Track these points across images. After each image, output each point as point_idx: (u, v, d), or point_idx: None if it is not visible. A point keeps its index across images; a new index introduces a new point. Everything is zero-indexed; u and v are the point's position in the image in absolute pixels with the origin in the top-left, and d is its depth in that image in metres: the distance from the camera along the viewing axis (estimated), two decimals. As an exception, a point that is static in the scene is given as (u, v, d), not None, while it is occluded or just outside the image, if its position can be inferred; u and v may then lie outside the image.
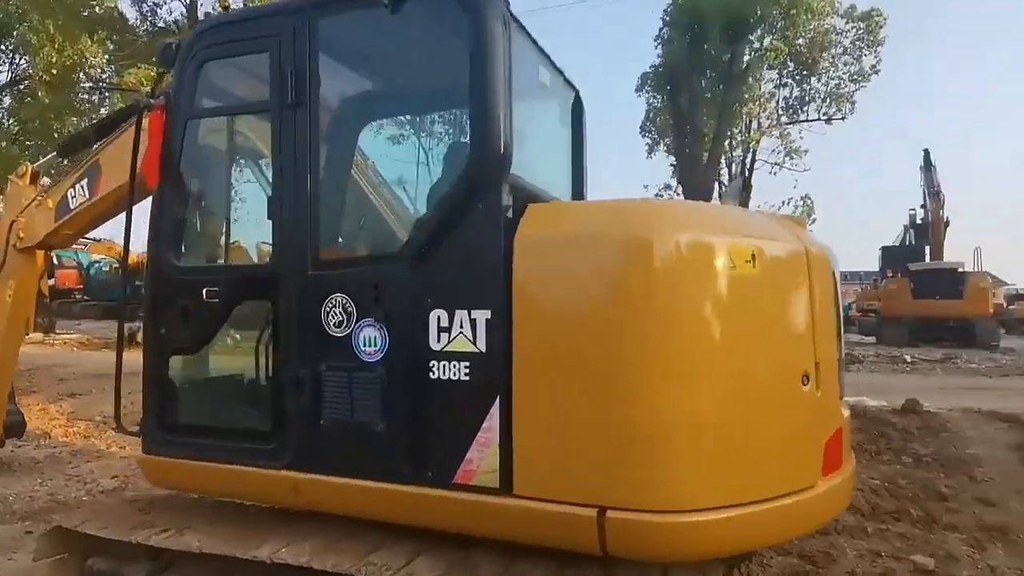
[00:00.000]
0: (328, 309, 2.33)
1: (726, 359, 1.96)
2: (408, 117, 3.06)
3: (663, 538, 1.90)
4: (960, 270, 19.91)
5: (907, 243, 25.73)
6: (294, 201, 2.39)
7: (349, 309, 2.30)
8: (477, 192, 2.12)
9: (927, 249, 22.21)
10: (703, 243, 1.96)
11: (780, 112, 18.88)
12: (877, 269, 25.60)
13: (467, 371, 2.10)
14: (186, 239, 2.71)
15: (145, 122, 2.78)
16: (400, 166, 2.60)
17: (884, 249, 24.71)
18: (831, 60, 19.17)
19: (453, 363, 2.12)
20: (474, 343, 2.10)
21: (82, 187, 4.54)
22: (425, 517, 2.20)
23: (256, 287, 2.53)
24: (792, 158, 19.96)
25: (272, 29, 2.45)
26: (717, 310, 1.96)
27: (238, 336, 2.61)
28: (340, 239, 2.65)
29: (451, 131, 2.78)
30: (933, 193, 21.46)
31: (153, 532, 2.60)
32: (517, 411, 2.03)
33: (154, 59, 5.04)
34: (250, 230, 2.90)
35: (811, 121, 20.33)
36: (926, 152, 23.09)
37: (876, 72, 19.29)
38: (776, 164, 19.51)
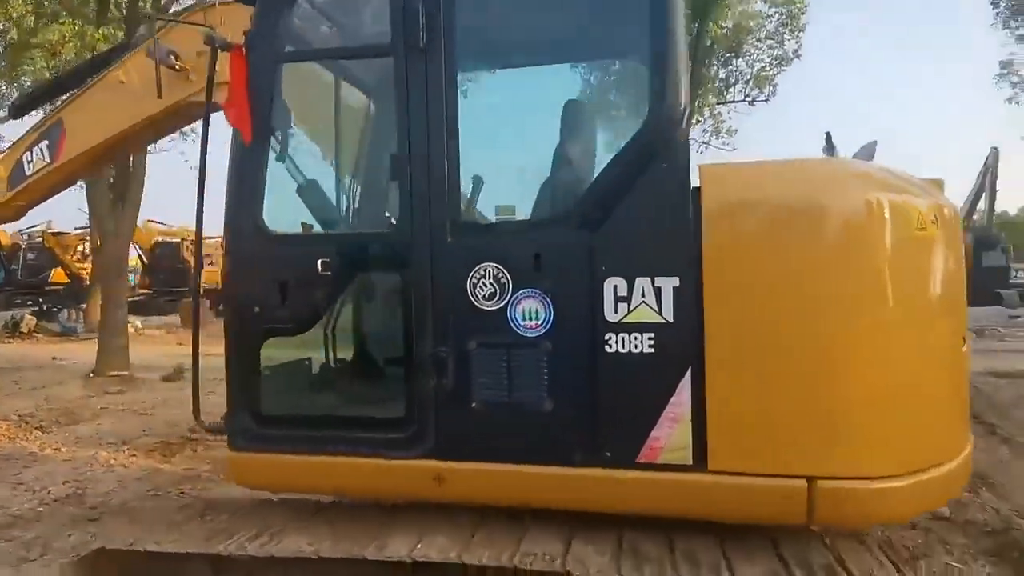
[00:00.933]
0: (475, 280, 2.09)
1: (922, 325, 1.95)
2: (555, 67, 2.77)
3: (868, 505, 1.88)
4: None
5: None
6: (428, 160, 2.11)
7: (503, 280, 2.07)
8: (658, 151, 1.96)
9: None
10: (903, 206, 1.92)
11: (709, 92, 19.60)
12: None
13: (651, 343, 1.96)
14: (283, 203, 2.33)
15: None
16: (550, 120, 2.39)
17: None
18: (755, 43, 20.06)
19: (634, 335, 1.97)
20: (659, 313, 1.96)
21: (41, 150, 3.93)
22: (602, 500, 2.05)
23: (380, 257, 2.23)
24: (720, 137, 20.75)
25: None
26: (915, 275, 1.94)
27: (354, 313, 2.29)
28: (484, 202, 2.38)
29: (608, 82, 2.56)
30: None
31: (243, 539, 2.27)
32: (711, 385, 1.92)
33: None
34: (355, 191, 2.54)
35: (736, 102, 21.22)
36: (828, 135, 24.88)
37: (798, 57, 20.38)
38: (704, 143, 20.19)
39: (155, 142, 6.53)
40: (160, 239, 30.51)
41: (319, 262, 2.14)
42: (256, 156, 2.24)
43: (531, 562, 1.98)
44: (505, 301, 2.07)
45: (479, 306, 2.09)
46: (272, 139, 2.26)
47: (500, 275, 2.07)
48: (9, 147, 4.27)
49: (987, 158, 23.79)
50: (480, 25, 2.25)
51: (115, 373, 10.58)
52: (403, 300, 2.17)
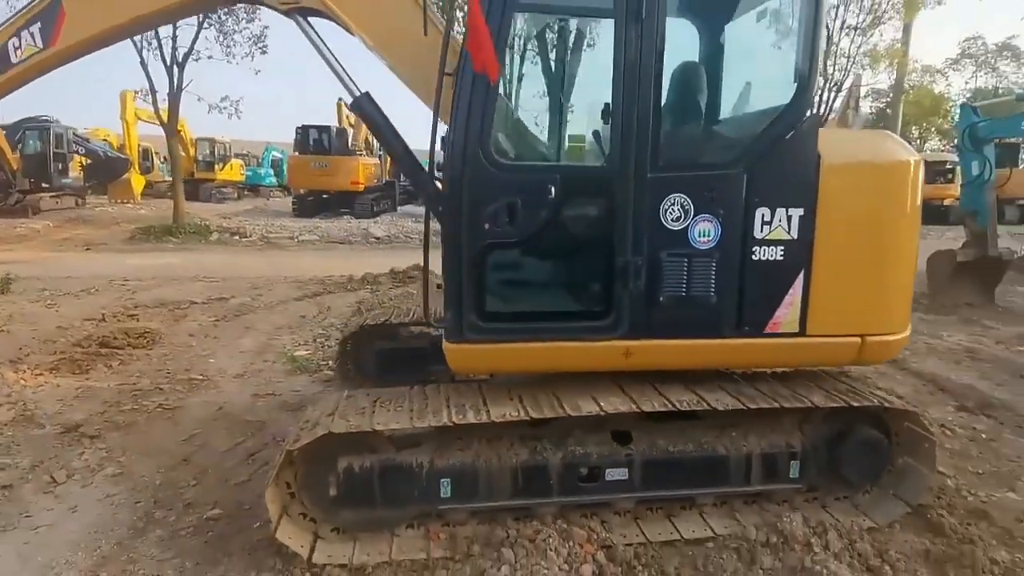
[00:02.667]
0: (666, 207, 2.80)
1: (916, 234, 3.17)
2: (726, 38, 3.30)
3: (886, 350, 3.14)
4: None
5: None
6: (636, 109, 2.69)
7: (686, 207, 2.82)
8: (802, 113, 2.82)
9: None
10: (914, 160, 3.05)
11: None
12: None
13: (781, 253, 2.91)
14: (510, 135, 2.68)
15: None
16: (721, 79, 2.95)
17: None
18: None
19: (771, 248, 2.90)
20: (788, 232, 2.90)
21: (32, 34, 3.54)
22: (741, 359, 3.03)
23: (593, 185, 2.77)
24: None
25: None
26: (917, 201, 3.11)
27: (567, 229, 2.81)
28: (678, 146, 2.97)
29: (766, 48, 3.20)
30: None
31: (455, 414, 2.84)
32: (814, 280, 2.95)
33: None
34: (568, 127, 2.95)
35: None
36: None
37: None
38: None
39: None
40: None
41: (545, 187, 2.64)
42: (490, 94, 2.58)
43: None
44: (687, 223, 2.83)
45: (667, 226, 2.82)
46: (504, 80, 2.59)
47: (685, 203, 2.81)
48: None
49: None
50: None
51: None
52: (609, 219, 2.79)
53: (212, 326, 7.72)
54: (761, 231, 2.89)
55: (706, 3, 3.33)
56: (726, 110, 3.27)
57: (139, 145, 31.74)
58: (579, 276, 2.97)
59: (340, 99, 26.62)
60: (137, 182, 30.11)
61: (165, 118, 18.02)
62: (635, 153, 2.74)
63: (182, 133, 32.73)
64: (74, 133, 25.40)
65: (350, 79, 3.93)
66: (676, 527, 3.14)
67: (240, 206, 29.69)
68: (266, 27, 17.82)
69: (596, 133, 2.91)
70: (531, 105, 3.11)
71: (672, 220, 2.83)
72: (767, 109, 2.95)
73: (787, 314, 2.98)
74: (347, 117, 26.87)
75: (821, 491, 3.35)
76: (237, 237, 17.46)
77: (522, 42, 3.05)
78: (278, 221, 21.23)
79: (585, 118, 2.89)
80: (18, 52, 3.58)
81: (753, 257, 2.90)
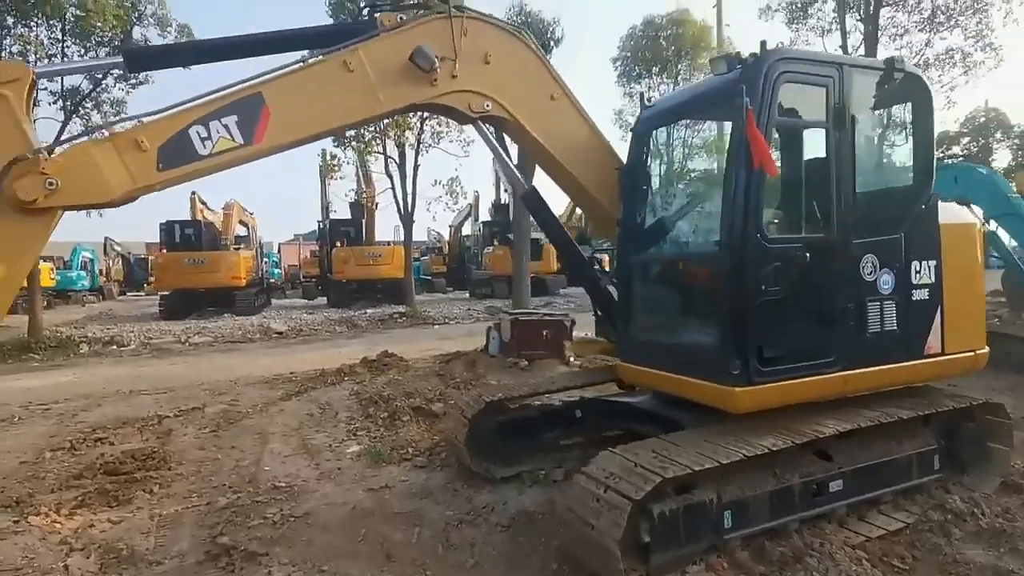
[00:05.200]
0: (863, 264, 3.71)
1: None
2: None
3: (984, 359, 4.28)
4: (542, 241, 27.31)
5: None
6: (846, 195, 3.63)
7: (875, 263, 3.75)
8: (928, 195, 3.95)
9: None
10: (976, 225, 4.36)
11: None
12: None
13: (927, 294, 3.95)
14: (770, 217, 3.39)
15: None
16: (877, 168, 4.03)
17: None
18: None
19: (922, 290, 3.93)
20: (930, 277, 3.96)
21: (227, 127, 3.57)
22: (910, 377, 3.96)
23: (823, 251, 3.55)
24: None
25: (828, 72, 3.52)
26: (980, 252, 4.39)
27: (808, 284, 3.54)
28: (866, 219, 3.81)
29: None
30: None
31: (735, 449, 3.36)
32: (946, 311, 4.03)
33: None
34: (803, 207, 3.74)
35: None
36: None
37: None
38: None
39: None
40: None
41: (799, 254, 3.41)
42: (762, 185, 3.31)
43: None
44: (876, 275, 3.75)
45: (864, 278, 3.71)
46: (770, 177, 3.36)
47: (875, 261, 3.74)
48: (156, 116, 3.37)
49: None
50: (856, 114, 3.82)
51: None
52: (832, 274, 3.60)
53: (215, 437, 7.01)
54: (915, 278, 3.92)
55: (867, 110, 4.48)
56: (887, 191, 4.36)
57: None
58: (820, 322, 3.71)
59: (194, 193, 25.03)
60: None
61: None
62: (846, 226, 3.65)
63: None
64: None
65: (518, 176, 4.44)
66: (876, 524, 3.86)
67: (69, 315, 25.70)
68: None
69: (822, 212, 3.76)
70: (775, 192, 3.93)
71: (867, 274, 3.74)
72: (906, 187, 4.07)
73: (934, 340, 3.99)
74: (201, 211, 25.23)
75: (947, 477, 4.30)
76: (115, 347, 15.39)
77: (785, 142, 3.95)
78: (146, 326, 19.02)
79: (813, 200, 3.74)
80: (207, 143, 3.44)
81: (913, 298, 3.90)
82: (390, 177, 19.74)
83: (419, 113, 13.03)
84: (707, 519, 3.34)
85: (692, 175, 5.15)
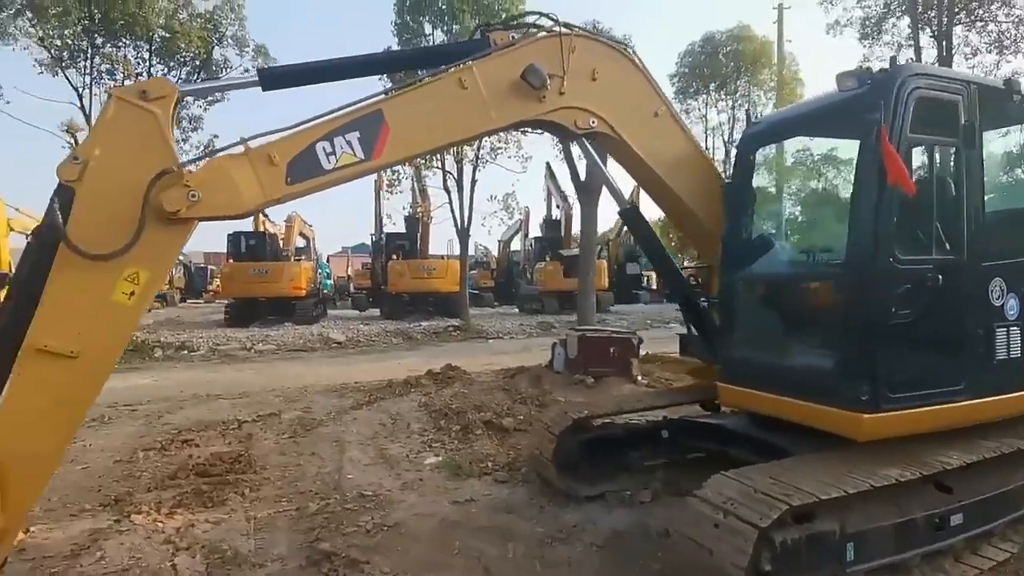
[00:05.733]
0: (991, 287, 3.54)
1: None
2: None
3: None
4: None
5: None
6: (976, 215, 3.48)
7: (1003, 287, 3.57)
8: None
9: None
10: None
11: None
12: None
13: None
14: (901, 238, 3.29)
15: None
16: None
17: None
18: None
19: (1041, 315, 3.73)
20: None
21: (349, 143, 3.65)
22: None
23: (952, 274, 3.42)
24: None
25: (958, 88, 3.41)
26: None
27: (941, 307, 3.42)
28: (993, 242, 3.68)
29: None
30: (563, 197, 28.23)
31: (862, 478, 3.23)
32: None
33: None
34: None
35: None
36: (548, 164, 30.06)
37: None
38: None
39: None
40: None
41: (930, 276, 3.28)
42: (892, 203, 3.21)
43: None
44: (1004, 300, 3.57)
45: (993, 303, 3.54)
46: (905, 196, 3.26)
47: (1002, 285, 3.57)
48: (286, 134, 3.51)
49: (631, 192, 32.05)
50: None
51: None
52: (961, 298, 3.46)
53: (294, 443, 7.18)
54: (1037, 305, 3.72)
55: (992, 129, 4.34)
56: (1013, 212, 4.19)
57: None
58: (949, 347, 3.57)
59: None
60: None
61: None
62: (976, 248, 3.49)
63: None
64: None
65: (620, 192, 4.42)
66: (987, 556, 3.65)
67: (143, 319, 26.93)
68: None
69: (952, 233, 3.63)
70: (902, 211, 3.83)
71: (995, 298, 3.56)
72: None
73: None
74: (263, 223, 26.12)
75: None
76: (186, 352, 16.01)
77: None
78: (212, 332, 19.73)
79: (942, 220, 3.61)
80: (331, 158, 3.56)
81: (1029, 323, 3.71)
82: (447, 192, 20.07)
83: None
84: (830, 550, 3.22)
85: (807, 193, 5.04)
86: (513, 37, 3.94)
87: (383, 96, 3.68)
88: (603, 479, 5.17)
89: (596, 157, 4.36)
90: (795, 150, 4.70)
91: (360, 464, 6.31)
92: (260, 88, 3.68)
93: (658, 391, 7.70)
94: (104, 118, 3.20)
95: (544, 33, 3.99)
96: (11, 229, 28.16)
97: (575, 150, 14.30)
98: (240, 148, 3.39)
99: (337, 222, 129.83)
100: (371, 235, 32.22)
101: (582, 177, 12.60)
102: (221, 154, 3.36)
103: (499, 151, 19.41)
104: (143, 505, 5.17)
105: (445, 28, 17.30)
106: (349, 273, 45.54)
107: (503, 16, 15.61)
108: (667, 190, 4.33)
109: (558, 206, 29.35)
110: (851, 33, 19.37)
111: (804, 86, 26.09)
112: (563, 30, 3.97)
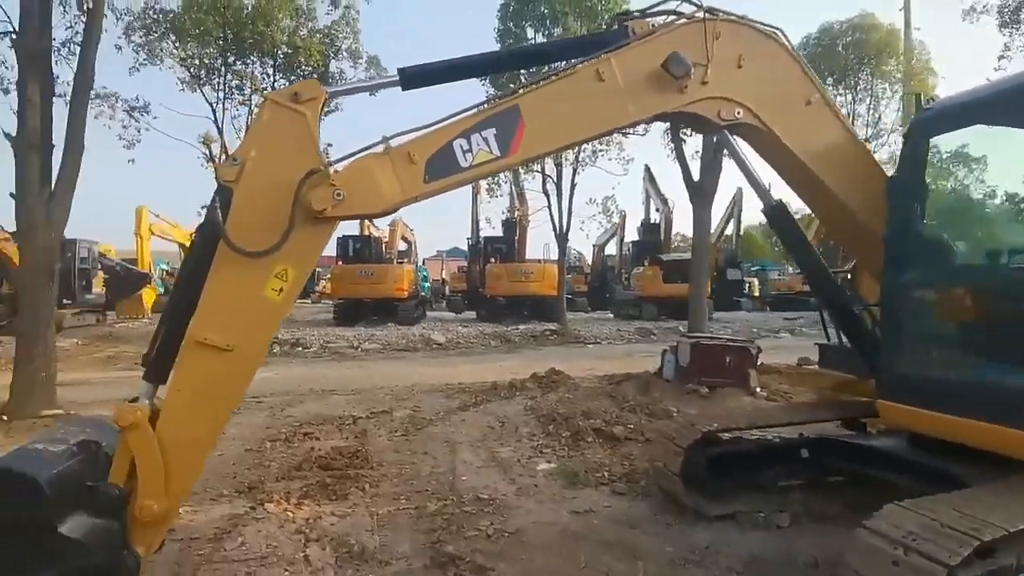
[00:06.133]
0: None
1: None
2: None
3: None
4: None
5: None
6: None
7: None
8: None
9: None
10: None
11: None
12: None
13: None
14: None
15: None
16: None
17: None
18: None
19: None
20: None
21: (485, 139, 3.51)
22: None
23: None
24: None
25: None
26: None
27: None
28: None
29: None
30: (663, 200, 27.46)
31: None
32: None
33: None
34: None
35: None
36: (647, 167, 29.34)
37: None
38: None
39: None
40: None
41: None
42: None
43: None
44: None
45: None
46: None
47: None
48: (424, 132, 3.50)
49: (734, 195, 30.47)
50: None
51: (48, 413, 8.08)
52: None
53: (406, 441, 7.29)
54: None
55: None
56: None
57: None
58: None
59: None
60: (148, 297, 29.32)
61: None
62: None
63: (187, 247, 32.56)
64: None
65: (766, 189, 4.06)
66: None
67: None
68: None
69: None
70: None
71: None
72: None
73: None
74: (368, 227, 27.23)
75: None
76: (300, 348, 16.94)
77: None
78: (322, 330, 20.78)
79: None
80: (468, 156, 3.49)
81: None
82: (546, 195, 19.99)
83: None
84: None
85: (996, 188, 4.45)
86: (653, 26, 3.73)
87: (519, 92, 3.59)
88: (733, 498, 4.81)
89: (741, 153, 4.03)
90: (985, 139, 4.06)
91: (473, 466, 6.29)
92: (400, 88, 3.69)
93: (791, 405, 7.16)
94: (259, 121, 3.32)
95: (685, 20, 3.75)
96: (152, 233, 31.17)
97: (687, 149, 13.77)
98: (380, 147, 3.42)
99: (431, 227, 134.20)
100: (467, 239, 32.82)
101: (695, 177, 12.05)
102: (363, 154, 3.39)
103: (600, 153, 19.12)
104: (274, 494, 5.39)
105: (547, 32, 17.26)
106: (443, 276, 46.66)
107: (605, 16, 15.35)
108: (819, 185, 3.95)
109: (657, 209, 28.58)
110: (989, 20, 17.42)
111: (936, 76, 23.83)
112: (707, 16, 3.71)
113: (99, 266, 25.40)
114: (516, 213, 24.92)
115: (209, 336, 3.12)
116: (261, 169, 3.21)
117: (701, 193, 11.88)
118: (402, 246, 27.43)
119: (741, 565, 3.98)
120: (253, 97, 16.34)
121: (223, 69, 16.29)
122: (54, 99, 8.34)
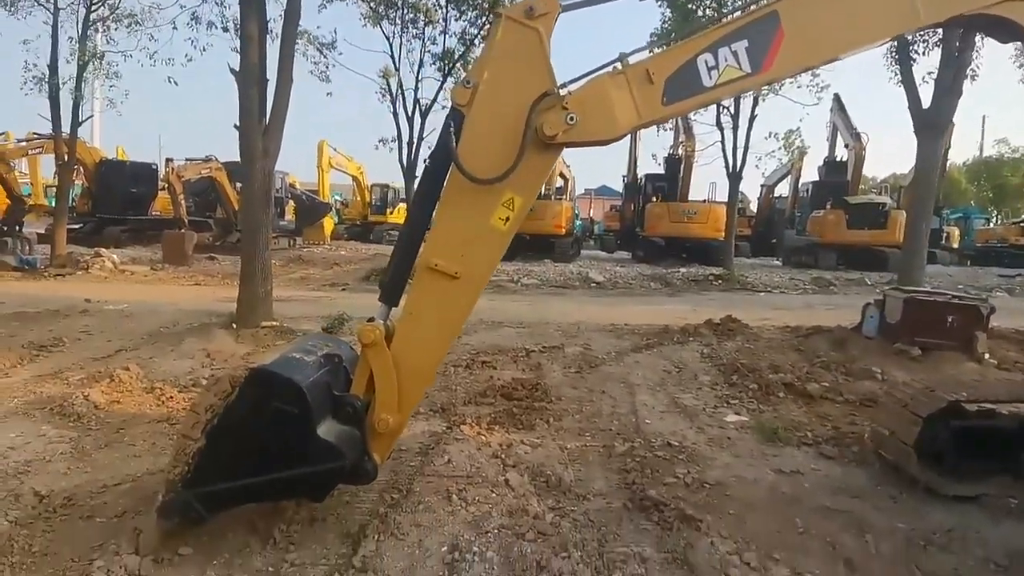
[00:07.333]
0: None
1: None
2: None
3: None
4: (885, 206, 23.21)
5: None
6: None
7: None
8: None
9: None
10: None
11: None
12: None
13: None
14: None
15: None
16: None
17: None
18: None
19: None
20: None
21: (733, 52, 2.98)
22: None
23: None
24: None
25: None
26: None
27: None
28: None
29: None
30: (855, 134, 24.21)
31: None
32: None
33: None
34: None
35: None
36: (836, 96, 25.83)
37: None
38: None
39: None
40: (106, 157, 26.88)
41: None
42: None
43: None
44: None
45: None
46: None
47: None
48: (663, 50, 3.14)
49: None
50: None
51: (267, 324, 9.05)
52: None
53: (580, 378, 7.25)
54: None
55: None
56: None
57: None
58: None
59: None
60: (328, 225, 32.19)
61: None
62: None
63: (360, 179, 34.98)
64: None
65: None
66: None
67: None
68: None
69: None
70: None
71: None
72: None
73: None
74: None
75: None
76: (464, 279, 17.63)
77: None
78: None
79: None
80: (712, 73, 3.07)
81: None
82: (720, 129, 18.46)
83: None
84: None
85: None
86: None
87: (781, -6, 3.07)
88: (979, 479, 4.15)
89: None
90: None
91: (655, 411, 6.10)
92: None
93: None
94: (492, 39, 3.17)
95: None
96: (331, 166, 33.81)
97: (917, 73, 11.67)
98: (617, 66, 3.13)
99: (582, 164, 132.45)
100: (623, 176, 31.71)
101: (924, 105, 10.23)
102: (598, 73, 3.13)
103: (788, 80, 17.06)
104: (466, 417, 5.63)
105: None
106: (591, 215, 45.99)
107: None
108: None
109: (846, 145, 25.28)
110: None
111: None
112: None
113: (290, 195, 28.24)
114: (682, 149, 23.40)
115: (439, 262, 3.14)
116: (493, 92, 3.09)
117: (932, 123, 10.05)
118: (559, 182, 27.13)
119: (1003, 556, 3.42)
120: (426, 30, 16.63)
121: (400, 3, 16.67)
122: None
